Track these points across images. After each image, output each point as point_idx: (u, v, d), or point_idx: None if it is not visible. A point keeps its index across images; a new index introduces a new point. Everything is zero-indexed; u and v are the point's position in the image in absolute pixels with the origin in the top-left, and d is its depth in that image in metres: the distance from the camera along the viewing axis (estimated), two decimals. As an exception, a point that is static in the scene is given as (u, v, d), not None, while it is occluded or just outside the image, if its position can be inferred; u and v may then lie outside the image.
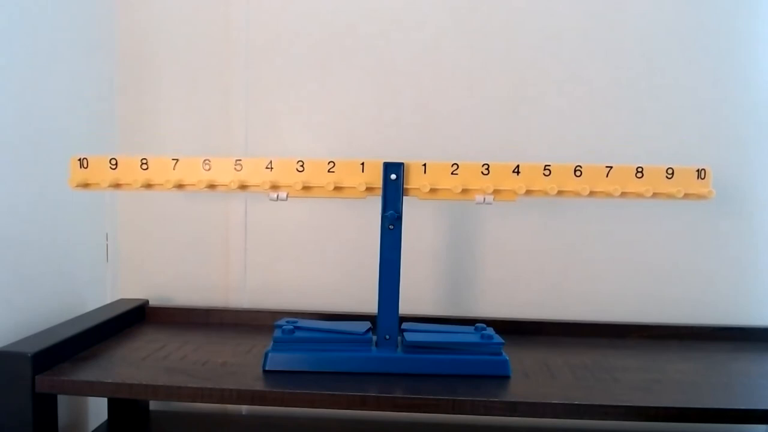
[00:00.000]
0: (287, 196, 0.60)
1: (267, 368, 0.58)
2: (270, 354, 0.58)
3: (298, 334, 0.59)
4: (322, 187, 0.60)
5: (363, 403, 0.53)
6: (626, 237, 0.78)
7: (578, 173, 0.59)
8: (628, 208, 0.78)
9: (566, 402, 0.52)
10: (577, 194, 0.59)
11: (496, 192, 0.59)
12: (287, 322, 0.61)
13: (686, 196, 0.59)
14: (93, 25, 0.77)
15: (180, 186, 0.60)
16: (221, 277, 0.82)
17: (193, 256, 0.82)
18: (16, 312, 0.64)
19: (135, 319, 0.76)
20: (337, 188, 0.59)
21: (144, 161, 0.60)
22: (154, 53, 0.80)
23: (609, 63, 0.77)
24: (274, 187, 0.60)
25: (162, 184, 0.60)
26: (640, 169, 0.59)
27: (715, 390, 0.57)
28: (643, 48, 0.77)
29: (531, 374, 0.59)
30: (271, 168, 0.60)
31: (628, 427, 0.75)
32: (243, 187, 0.60)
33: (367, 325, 0.62)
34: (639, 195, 0.59)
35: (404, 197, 0.59)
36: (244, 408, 0.81)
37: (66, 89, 0.72)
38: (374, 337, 0.61)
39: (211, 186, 0.60)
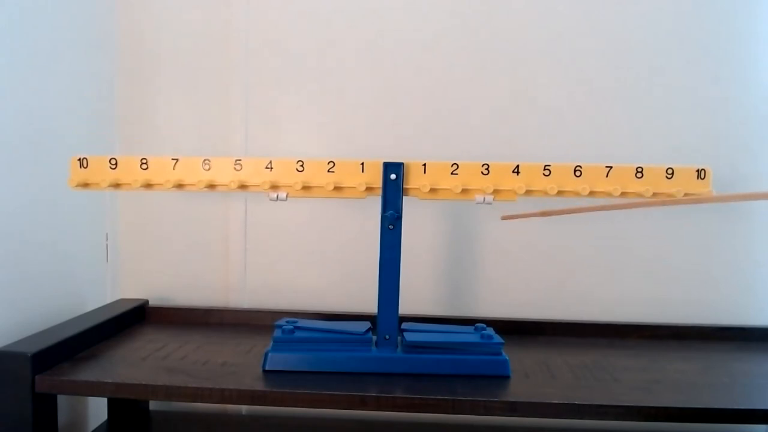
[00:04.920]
0: (287, 196, 0.60)
1: (267, 368, 0.58)
2: (270, 354, 0.58)
3: (298, 334, 0.59)
4: (322, 187, 0.60)
5: (363, 403, 0.53)
6: (626, 237, 0.78)
7: (578, 173, 0.59)
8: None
9: (566, 402, 0.52)
10: (577, 194, 0.59)
11: (496, 192, 0.59)
12: (287, 322, 0.61)
13: (686, 196, 0.59)
14: (93, 25, 0.77)
15: (180, 186, 0.60)
16: (221, 277, 0.82)
17: (193, 256, 0.82)
18: (16, 312, 0.64)
19: (135, 319, 0.76)
20: (337, 188, 0.60)
21: (144, 161, 0.60)
22: (154, 53, 0.80)
23: (609, 63, 0.77)
24: (274, 187, 0.60)
25: (162, 184, 0.60)
26: (640, 169, 0.59)
27: (715, 390, 0.57)
28: (643, 48, 0.77)
29: (531, 374, 0.59)
30: (271, 168, 0.60)
31: (628, 427, 0.75)
32: (243, 187, 0.60)
33: (367, 325, 0.62)
34: (639, 195, 0.59)
35: (404, 197, 0.59)
36: (244, 408, 0.81)
37: (66, 89, 0.72)
38: (374, 337, 0.61)
39: (211, 186, 0.60)
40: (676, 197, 0.53)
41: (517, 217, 0.40)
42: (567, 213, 0.40)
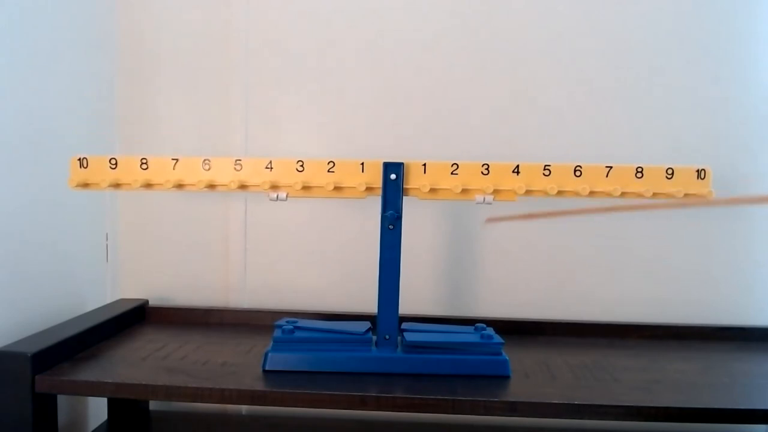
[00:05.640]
0: (287, 196, 0.60)
1: (267, 368, 0.58)
2: (270, 354, 0.58)
3: (298, 334, 0.59)
4: (322, 187, 0.60)
5: (363, 403, 0.53)
6: (626, 237, 0.78)
7: (578, 173, 0.59)
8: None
9: (566, 402, 0.52)
10: (577, 194, 0.59)
11: (496, 192, 0.59)
12: (287, 322, 0.61)
13: (686, 196, 0.58)
14: (93, 25, 0.77)
15: (180, 186, 0.60)
16: (221, 277, 0.82)
17: (193, 256, 0.82)
18: (16, 312, 0.64)
19: (135, 319, 0.76)
20: (337, 188, 0.60)
21: (144, 161, 0.60)
22: (154, 53, 0.80)
23: (609, 63, 0.77)
24: (274, 187, 0.60)
25: (162, 184, 0.60)
26: (640, 169, 0.59)
27: (715, 390, 0.57)
28: (644, 48, 0.77)
29: (531, 374, 0.59)
30: (271, 168, 0.60)
31: (628, 427, 0.75)
32: (243, 187, 0.60)
33: (367, 325, 0.62)
34: (639, 195, 0.59)
35: (404, 197, 0.59)
36: (244, 408, 0.81)
37: (66, 89, 0.72)
38: (374, 337, 0.61)
39: (211, 186, 0.60)
40: (673, 199, 0.52)
41: (500, 220, 0.40)
42: (550, 216, 0.39)
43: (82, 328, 0.63)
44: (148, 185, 0.60)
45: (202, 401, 0.54)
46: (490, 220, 0.39)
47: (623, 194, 0.58)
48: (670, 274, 0.79)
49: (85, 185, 0.60)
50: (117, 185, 0.60)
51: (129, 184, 0.60)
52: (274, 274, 0.82)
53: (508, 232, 0.79)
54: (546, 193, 0.59)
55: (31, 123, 0.66)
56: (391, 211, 0.58)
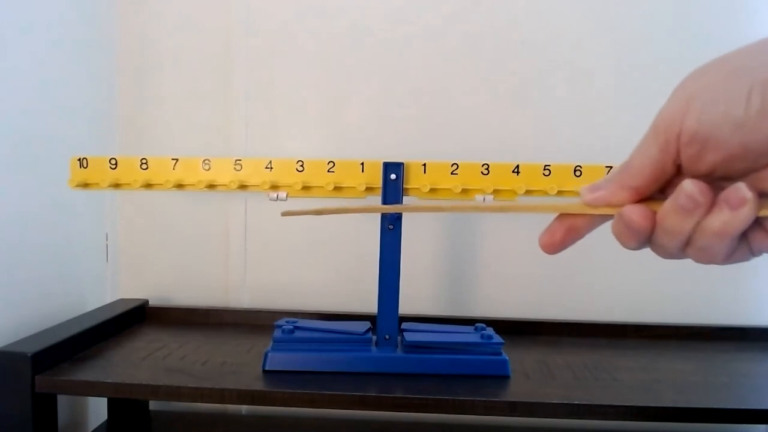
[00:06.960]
0: (287, 197, 0.60)
1: (267, 368, 0.58)
2: (270, 354, 0.58)
3: (298, 334, 0.59)
4: (322, 187, 0.60)
5: (363, 403, 0.53)
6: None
7: (578, 173, 0.59)
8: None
9: (566, 402, 0.52)
10: (578, 194, 0.58)
11: (496, 192, 0.59)
12: (287, 322, 0.61)
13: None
14: (93, 25, 0.77)
15: (180, 186, 0.60)
16: (221, 277, 0.82)
17: (193, 256, 0.82)
18: (16, 312, 0.64)
19: (135, 319, 0.76)
20: (336, 188, 0.60)
21: (144, 161, 0.60)
22: (155, 53, 0.80)
23: (609, 63, 0.77)
24: (274, 187, 0.60)
25: (162, 184, 0.60)
26: (640, 169, 0.58)
27: (715, 390, 0.57)
28: (644, 47, 0.76)
29: (531, 374, 0.59)
30: (271, 168, 0.60)
31: (628, 427, 0.75)
32: (243, 187, 0.60)
33: (367, 325, 0.62)
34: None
35: (404, 197, 0.59)
36: (244, 408, 0.81)
37: (66, 89, 0.72)
38: (374, 337, 0.61)
39: (211, 186, 0.60)
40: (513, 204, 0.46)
41: (295, 214, 0.39)
42: (342, 212, 0.38)
43: (82, 328, 0.63)
44: (148, 185, 0.60)
45: (202, 401, 0.54)
46: (285, 214, 0.38)
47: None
48: (670, 274, 0.79)
49: (85, 185, 0.60)
50: (117, 185, 0.60)
51: (129, 184, 0.60)
52: (274, 274, 0.82)
53: (508, 231, 0.79)
54: (546, 193, 0.59)
55: (31, 123, 0.66)
56: (391, 211, 0.58)
